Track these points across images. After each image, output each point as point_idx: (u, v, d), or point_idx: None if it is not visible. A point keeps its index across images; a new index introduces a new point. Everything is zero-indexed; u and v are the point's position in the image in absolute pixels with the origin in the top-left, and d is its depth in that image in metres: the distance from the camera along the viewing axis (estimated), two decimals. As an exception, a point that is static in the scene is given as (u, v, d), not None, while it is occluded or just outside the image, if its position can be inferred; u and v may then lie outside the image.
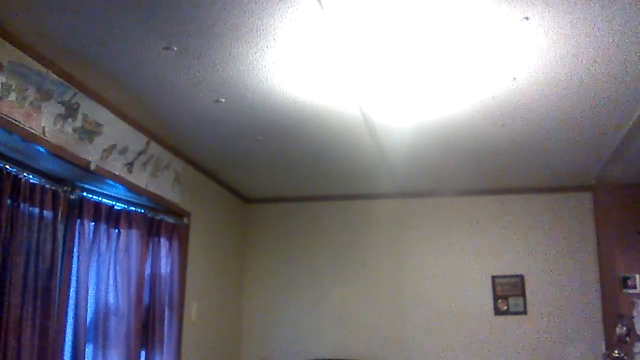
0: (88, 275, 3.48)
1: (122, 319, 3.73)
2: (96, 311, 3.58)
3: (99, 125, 3.30)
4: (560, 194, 5.50)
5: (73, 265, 3.39)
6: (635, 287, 4.75)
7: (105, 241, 3.68)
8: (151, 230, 4.17)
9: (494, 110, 3.57)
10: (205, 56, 2.84)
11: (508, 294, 5.43)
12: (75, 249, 3.42)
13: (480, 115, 3.65)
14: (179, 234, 4.47)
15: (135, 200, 3.98)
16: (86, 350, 3.45)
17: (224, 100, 3.40)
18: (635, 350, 4.56)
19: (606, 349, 5.00)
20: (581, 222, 5.45)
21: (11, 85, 2.65)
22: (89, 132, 3.23)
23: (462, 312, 5.43)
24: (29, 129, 2.77)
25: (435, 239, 5.66)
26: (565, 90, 3.28)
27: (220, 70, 2.99)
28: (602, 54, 2.85)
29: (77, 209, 3.46)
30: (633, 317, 4.64)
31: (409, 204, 5.77)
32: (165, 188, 4.20)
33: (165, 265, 4.30)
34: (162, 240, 4.28)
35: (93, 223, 3.60)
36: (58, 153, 2.99)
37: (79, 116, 3.13)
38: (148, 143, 3.87)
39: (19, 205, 2.94)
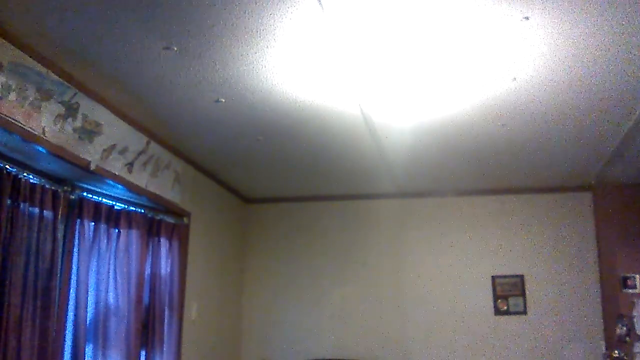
0: (88, 275, 3.49)
1: (122, 319, 3.73)
2: (96, 311, 3.58)
3: (98, 125, 3.30)
4: (560, 194, 5.50)
5: (73, 265, 3.40)
6: (635, 287, 4.74)
7: (105, 241, 3.68)
8: (151, 230, 4.17)
9: (494, 110, 3.57)
10: (205, 56, 2.84)
11: (508, 294, 5.43)
12: (75, 249, 3.42)
13: (480, 115, 3.65)
14: (179, 234, 4.47)
15: (135, 200, 3.98)
16: (86, 350, 3.45)
17: (224, 100, 3.40)
18: (635, 350, 4.55)
19: (606, 349, 5.00)
20: (581, 222, 5.45)
21: (11, 85, 2.65)
22: (89, 132, 3.23)
23: (462, 312, 5.43)
24: (29, 129, 2.77)
25: (435, 239, 5.66)
26: (565, 90, 3.28)
27: (220, 70, 2.99)
28: (602, 54, 2.84)
29: (77, 209, 3.46)
30: (633, 317, 4.63)
31: (409, 204, 5.77)
32: (165, 188, 4.20)
33: (165, 265, 4.30)
34: (162, 240, 4.28)
35: (93, 223, 3.60)
36: (58, 153, 2.99)
37: (79, 116, 3.13)
38: (148, 143, 3.87)
39: (19, 205, 2.94)
